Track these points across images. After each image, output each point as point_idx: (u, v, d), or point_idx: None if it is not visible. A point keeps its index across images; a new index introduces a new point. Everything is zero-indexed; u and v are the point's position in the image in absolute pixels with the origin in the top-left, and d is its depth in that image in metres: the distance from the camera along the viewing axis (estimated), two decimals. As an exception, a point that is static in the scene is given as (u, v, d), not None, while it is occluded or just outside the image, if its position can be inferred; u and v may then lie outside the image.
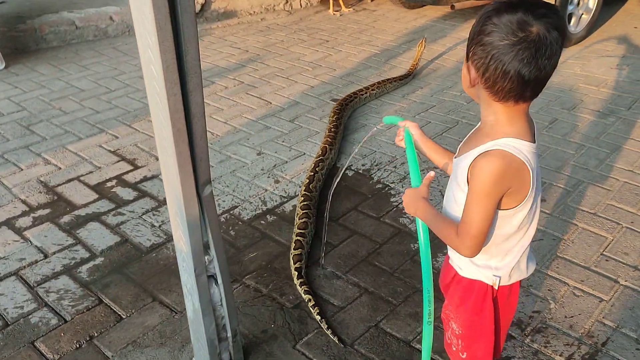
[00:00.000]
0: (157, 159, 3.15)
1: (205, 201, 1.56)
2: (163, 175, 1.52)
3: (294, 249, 2.42)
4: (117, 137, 3.53)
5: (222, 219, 2.74)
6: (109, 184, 3.03)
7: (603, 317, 2.15)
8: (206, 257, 1.65)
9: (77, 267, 2.42)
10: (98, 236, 2.61)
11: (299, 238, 2.47)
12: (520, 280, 1.42)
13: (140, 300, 2.23)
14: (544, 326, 2.12)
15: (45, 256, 2.48)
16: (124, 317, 2.15)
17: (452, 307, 1.45)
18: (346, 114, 3.75)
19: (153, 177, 3.08)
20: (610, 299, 2.24)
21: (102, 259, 2.47)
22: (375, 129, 1.78)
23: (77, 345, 2.02)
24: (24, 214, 2.77)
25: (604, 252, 2.50)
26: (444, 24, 6.09)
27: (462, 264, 1.38)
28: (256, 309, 2.19)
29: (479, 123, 1.32)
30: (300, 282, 2.26)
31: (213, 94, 4.23)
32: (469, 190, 1.23)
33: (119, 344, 2.03)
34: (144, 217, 2.74)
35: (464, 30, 5.89)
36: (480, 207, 1.20)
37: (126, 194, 2.94)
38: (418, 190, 1.37)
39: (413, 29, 5.95)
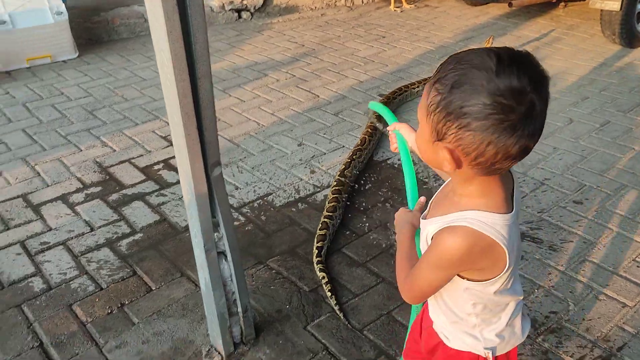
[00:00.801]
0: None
1: (214, 181, 1.67)
2: (176, 157, 1.64)
3: (320, 230, 2.52)
4: (169, 124, 3.73)
5: (255, 205, 2.87)
6: (156, 167, 3.23)
7: (623, 323, 2.10)
8: (216, 234, 1.76)
9: (118, 241, 2.61)
10: (140, 214, 2.80)
11: (325, 220, 2.57)
12: (516, 346, 1.27)
13: (170, 275, 2.39)
14: (559, 327, 2.09)
15: (92, 229, 2.70)
16: (153, 288, 2.32)
17: None
18: (391, 108, 3.77)
19: (197, 162, 3.26)
20: (635, 305, 2.18)
21: (141, 235, 2.66)
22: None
23: (109, 311, 2.20)
24: (77, 190, 3.02)
25: (637, 258, 2.42)
26: (506, 22, 5.96)
27: (448, 334, 1.24)
28: (274, 289, 2.29)
29: (448, 181, 1.20)
30: (318, 261, 2.36)
31: (264, 86, 4.37)
32: (426, 252, 1.12)
33: (145, 312, 2.19)
34: (183, 199, 2.91)
35: (526, 28, 5.75)
36: (429, 274, 1.11)
37: (170, 177, 3.13)
38: (411, 215, 1.28)
39: (473, 26, 5.86)
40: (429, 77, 4.33)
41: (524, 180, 3.04)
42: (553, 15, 6.16)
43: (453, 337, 1.23)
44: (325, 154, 3.35)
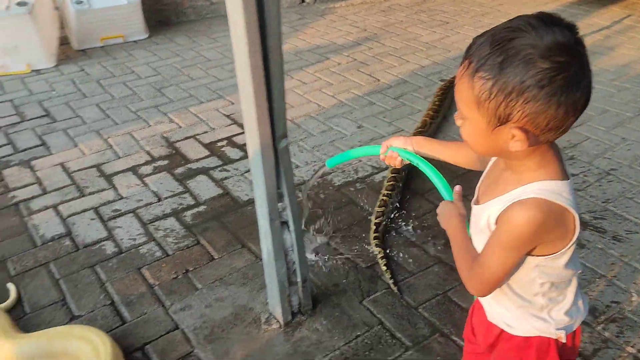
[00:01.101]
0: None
1: (280, 153, 1.73)
2: (245, 127, 1.71)
3: (378, 207, 2.57)
4: (232, 103, 3.85)
5: (315, 184, 2.93)
6: (219, 144, 3.35)
7: (689, 317, 2.04)
8: (280, 205, 1.83)
9: (183, 211, 2.73)
10: (204, 187, 2.92)
11: (384, 198, 2.62)
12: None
13: (232, 246, 2.49)
14: (621, 317, 2.05)
15: (159, 200, 2.83)
16: (215, 257, 2.42)
17: None
18: (452, 93, 3.75)
19: (259, 140, 3.35)
20: (703, 300, 2.11)
21: (205, 207, 2.77)
22: (320, 171, 1.70)
23: (175, 276, 2.32)
24: (146, 163, 3.16)
25: None
26: (577, 10, 5.75)
27: (511, 322, 1.20)
28: (332, 265, 2.35)
29: (492, 162, 1.20)
30: (375, 236, 2.41)
31: (326, 69, 4.42)
32: (494, 235, 1.08)
33: (208, 279, 2.30)
34: (245, 175, 3.01)
35: (598, 15, 5.53)
36: (502, 257, 1.07)
37: (233, 153, 3.23)
38: (455, 206, 1.25)
39: (541, 12, 5.68)
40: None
41: (589, 170, 2.96)
42: (628, 2, 5.89)
43: (519, 323, 1.18)
44: (384, 136, 3.36)
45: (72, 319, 2.13)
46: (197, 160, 3.18)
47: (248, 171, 3.04)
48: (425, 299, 2.16)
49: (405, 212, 2.67)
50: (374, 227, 2.45)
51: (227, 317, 2.11)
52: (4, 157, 3.24)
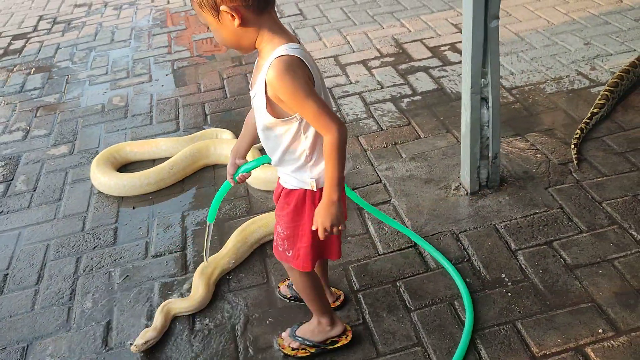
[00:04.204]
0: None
1: (490, 32, 1.97)
2: (463, 5, 1.97)
3: (598, 100, 2.73)
4: (460, 14, 4.04)
5: (526, 89, 3.06)
6: (442, 48, 3.62)
7: None
8: (482, 81, 2.09)
9: (400, 99, 3.13)
10: (422, 82, 3.26)
11: (606, 93, 2.75)
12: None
13: (437, 130, 2.82)
14: None
15: (381, 87, 3.26)
16: (422, 136, 2.78)
17: (279, 213, 1.59)
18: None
19: (480, 48, 3.54)
20: None
21: (420, 97, 3.12)
22: (209, 227, 1.79)
23: (384, 145, 2.75)
24: (375, 58, 3.60)
25: None
26: None
27: (286, 180, 1.51)
28: (525, 156, 2.54)
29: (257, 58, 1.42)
30: (576, 139, 2.53)
31: (565, -12, 4.29)
32: (286, 99, 1.32)
33: (412, 152, 2.68)
34: (461, 76, 3.26)
35: None
36: (308, 97, 1.31)
37: (454, 57, 3.49)
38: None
39: None
40: None
41: None
42: None
43: (289, 181, 1.53)
44: (612, 54, 3.28)
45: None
46: (420, 60, 3.51)
47: (464, 73, 3.29)
48: (612, 197, 2.25)
49: (614, 123, 2.68)
50: (578, 132, 2.55)
51: (423, 179, 2.48)
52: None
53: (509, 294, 1.89)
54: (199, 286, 2.01)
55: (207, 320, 1.95)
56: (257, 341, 1.85)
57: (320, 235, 1.45)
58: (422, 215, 2.28)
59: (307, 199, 1.50)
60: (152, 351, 1.85)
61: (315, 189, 1.47)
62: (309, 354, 1.77)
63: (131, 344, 1.87)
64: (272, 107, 1.36)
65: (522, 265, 1.99)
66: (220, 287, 2.08)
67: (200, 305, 1.98)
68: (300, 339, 1.77)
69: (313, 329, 1.77)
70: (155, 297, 2.08)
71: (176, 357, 1.84)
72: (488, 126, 2.20)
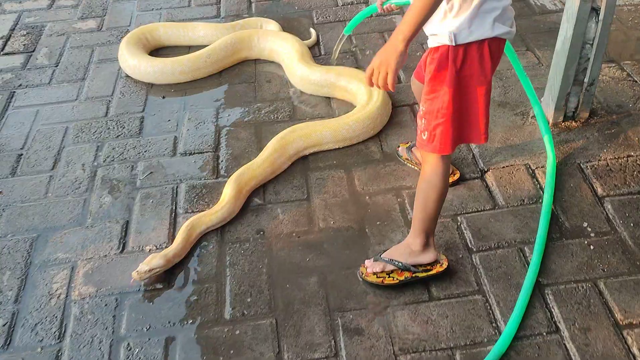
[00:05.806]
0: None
1: None
2: None
3: None
4: None
5: (625, 10, 2.61)
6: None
7: None
8: (599, -14, 1.69)
9: (475, 6, 2.71)
10: (502, -11, 2.81)
11: None
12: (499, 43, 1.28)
13: (516, 47, 2.41)
14: None
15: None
16: (497, 52, 2.40)
17: (424, 87, 1.36)
18: None
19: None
20: None
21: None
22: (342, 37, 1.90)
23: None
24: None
25: None
26: None
27: (431, 33, 1.29)
28: (620, 88, 2.16)
29: None
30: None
31: None
32: None
33: (485, 68, 2.31)
34: (548, -12, 2.81)
35: None
36: None
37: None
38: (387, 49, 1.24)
39: None
40: None
41: None
42: None
43: (432, 35, 1.32)
44: None
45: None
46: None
47: (552, -17, 2.83)
48: None
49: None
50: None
51: (496, 101, 2.13)
52: None
53: (591, 247, 1.60)
54: (228, 193, 1.76)
55: (237, 234, 1.72)
56: (283, 263, 1.62)
57: (366, 78, 1.27)
58: (492, 142, 1.96)
59: (450, 59, 1.27)
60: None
61: (454, 44, 1.25)
62: (397, 281, 1.52)
63: (150, 250, 1.66)
64: None
65: (610, 215, 1.69)
66: (252, 197, 1.83)
67: (229, 215, 1.74)
68: (386, 259, 1.53)
69: (402, 251, 1.53)
70: (181, 200, 1.84)
71: (200, 269, 1.63)
72: (592, 44, 1.81)
